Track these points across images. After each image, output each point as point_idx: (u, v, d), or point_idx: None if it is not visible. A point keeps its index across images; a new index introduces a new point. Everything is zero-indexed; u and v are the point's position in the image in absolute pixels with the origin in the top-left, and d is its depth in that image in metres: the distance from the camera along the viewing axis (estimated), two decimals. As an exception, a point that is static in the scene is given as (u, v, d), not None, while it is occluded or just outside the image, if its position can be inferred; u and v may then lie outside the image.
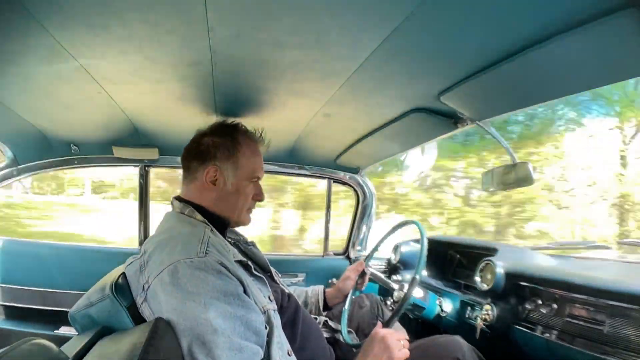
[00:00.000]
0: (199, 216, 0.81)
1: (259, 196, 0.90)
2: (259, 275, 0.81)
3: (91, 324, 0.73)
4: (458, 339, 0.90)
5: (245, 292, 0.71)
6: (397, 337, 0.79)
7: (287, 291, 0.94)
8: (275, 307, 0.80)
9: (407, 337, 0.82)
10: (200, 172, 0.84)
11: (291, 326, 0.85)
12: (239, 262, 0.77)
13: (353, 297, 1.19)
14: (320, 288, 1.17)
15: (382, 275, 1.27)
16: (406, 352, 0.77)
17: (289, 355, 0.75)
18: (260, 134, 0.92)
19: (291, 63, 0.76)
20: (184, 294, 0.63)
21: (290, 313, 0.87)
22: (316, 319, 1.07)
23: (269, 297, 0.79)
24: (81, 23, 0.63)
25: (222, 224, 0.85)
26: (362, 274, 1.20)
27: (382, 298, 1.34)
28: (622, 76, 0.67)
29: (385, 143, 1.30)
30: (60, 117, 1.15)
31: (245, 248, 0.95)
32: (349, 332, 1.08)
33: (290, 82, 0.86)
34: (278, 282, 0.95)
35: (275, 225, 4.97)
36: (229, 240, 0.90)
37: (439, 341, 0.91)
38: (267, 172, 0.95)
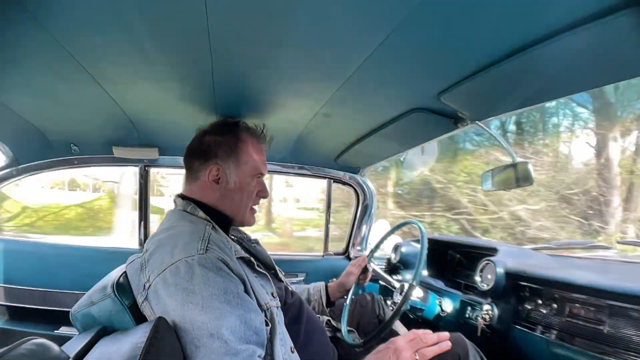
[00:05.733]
0: (201, 213, 0.81)
1: (262, 193, 0.90)
2: (262, 272, 0.81)
3: (92, 323, 0.73)
4: (459, 336, 0.90)
5: (246, 290, 0.70)
6: (408, 339, 0.72)
7: (290, 289, 0.94)
8: (279, 303, 0.79)
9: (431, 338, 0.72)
10: (203, 171, 0.84)
11: (295, 323, 0.85)
12: (241, 258, 0.77)
13: (353, 296, 1.19)
14: (322, 284, 1.18)
15: (384, 273, 1.27)
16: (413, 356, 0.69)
17: (292, 352, 0.75)
18: (262, 131, 0.92)
19: (291, 63, 0.76)
20: (183, 295, 0.63)
21: (294, 310, 0.87)
22: (319, 318, 1.07)
23: (272, 294, 0.79)
24: (81, 23, 0.63)
25: (225, 221, 0.85)
26: (365, 270, 1.20)
27: (382, 297, 1.34)
28: (622, 76, 0.67)
29: (385, 143, 1.30)
30: (60, 117, 1.15)
31: (248, 246, 0.95)
32: (349, 330, 1.08)
33: (290, 82, 0.85)
34: (282, 279, 0.95)
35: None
36: (232, 237, 0.90)
37: None
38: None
